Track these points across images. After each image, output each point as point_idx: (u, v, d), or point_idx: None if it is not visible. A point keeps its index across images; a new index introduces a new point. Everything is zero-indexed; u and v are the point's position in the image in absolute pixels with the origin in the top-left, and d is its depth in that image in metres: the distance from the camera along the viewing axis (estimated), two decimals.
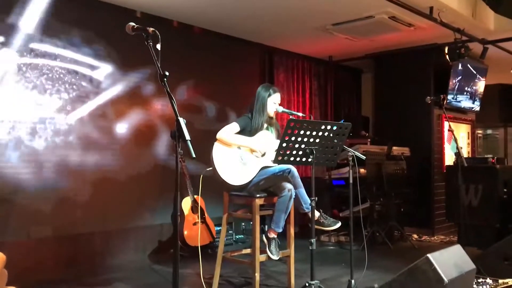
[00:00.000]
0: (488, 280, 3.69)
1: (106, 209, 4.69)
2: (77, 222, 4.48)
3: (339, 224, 3.67)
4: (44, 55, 4.29)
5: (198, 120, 5.49)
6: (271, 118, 3.78)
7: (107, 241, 4.72)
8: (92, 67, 4.64)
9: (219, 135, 3.58)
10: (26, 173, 4.16)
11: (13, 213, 4.06)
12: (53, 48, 4.35)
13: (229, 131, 3.59)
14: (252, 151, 3.64)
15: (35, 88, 4.23)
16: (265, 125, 3.75)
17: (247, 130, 3.65)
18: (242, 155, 3.61)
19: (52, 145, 4.33)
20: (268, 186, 3.62)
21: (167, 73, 2.12)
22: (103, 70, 4.73)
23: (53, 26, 4.33)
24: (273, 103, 3.72)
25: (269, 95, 3.71)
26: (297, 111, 5.95)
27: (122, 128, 4.88)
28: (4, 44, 4.03)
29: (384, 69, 7.24)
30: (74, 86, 4.50)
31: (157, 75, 2.12)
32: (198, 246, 4.58)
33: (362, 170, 5.54)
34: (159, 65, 2.11)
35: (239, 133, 3.63)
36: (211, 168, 3.54)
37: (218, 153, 3.54)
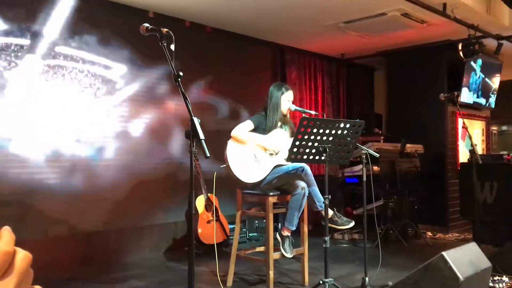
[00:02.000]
0: (505, 278, 3.65)
1: (121, 207, 4.73)
2: (92, 221, 4.54)
3: (352, 224, 3.67)
4: (65, 57, 4.35)
5: (210, 119, 5.50)
6: (284, 116, 3.80)
7: (122, 239, 4.78)
8: (107, 68, 4.69)
9: (233, 132, 3.60)
10: (43, 173, 4.22)
11: (30, 213, 4.12)
12: (73, 50, 4.41)
13: (243, 129, 3.61)
14: (266, 149, 3.65)
15: (57, 89, 4.29)
16: (279, 123, 3.76)
17: (261, 128, 3.67)
18: (255, 153, 3.63)
19: (69, 146, 4.39)
20: (281, 184, 3.63)
21: (181, 73, 2.13)
22: (118, 70, 4.78)
23: (73, 30, 4.39)
24: (287, 100, 3.73)
25: (282, 93, 3.73)
26: (310, 109, 5.94)
27: (136, 127, 4.92)
28: (29, 50, 4.10)
29: (397, 66, 7.19)
30: (89, 86, 4.55)
31: (171, 74, 2.14)
32: (212, 244, 4.63)
33: (375, 168, 5.51)
34: (173, 65, 2.13)
35: (253, 131, 3.65)
36: (225, 165, 3.56)
37: (232, 150, 3.56)
